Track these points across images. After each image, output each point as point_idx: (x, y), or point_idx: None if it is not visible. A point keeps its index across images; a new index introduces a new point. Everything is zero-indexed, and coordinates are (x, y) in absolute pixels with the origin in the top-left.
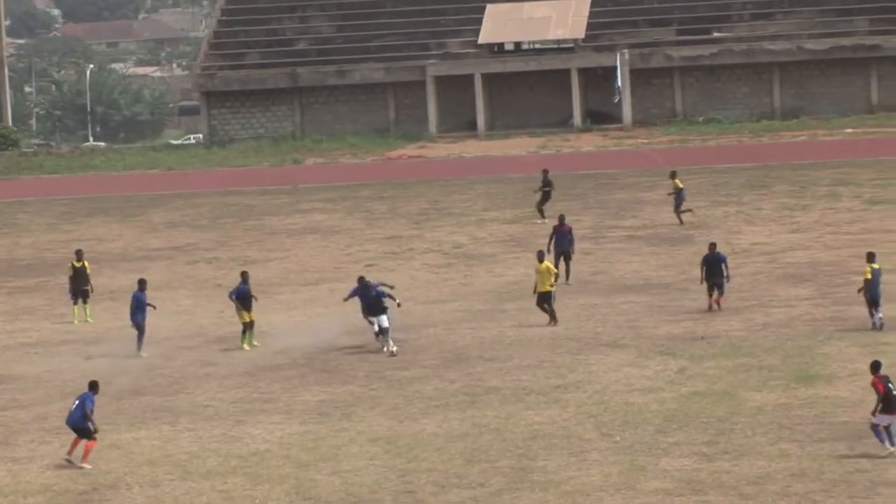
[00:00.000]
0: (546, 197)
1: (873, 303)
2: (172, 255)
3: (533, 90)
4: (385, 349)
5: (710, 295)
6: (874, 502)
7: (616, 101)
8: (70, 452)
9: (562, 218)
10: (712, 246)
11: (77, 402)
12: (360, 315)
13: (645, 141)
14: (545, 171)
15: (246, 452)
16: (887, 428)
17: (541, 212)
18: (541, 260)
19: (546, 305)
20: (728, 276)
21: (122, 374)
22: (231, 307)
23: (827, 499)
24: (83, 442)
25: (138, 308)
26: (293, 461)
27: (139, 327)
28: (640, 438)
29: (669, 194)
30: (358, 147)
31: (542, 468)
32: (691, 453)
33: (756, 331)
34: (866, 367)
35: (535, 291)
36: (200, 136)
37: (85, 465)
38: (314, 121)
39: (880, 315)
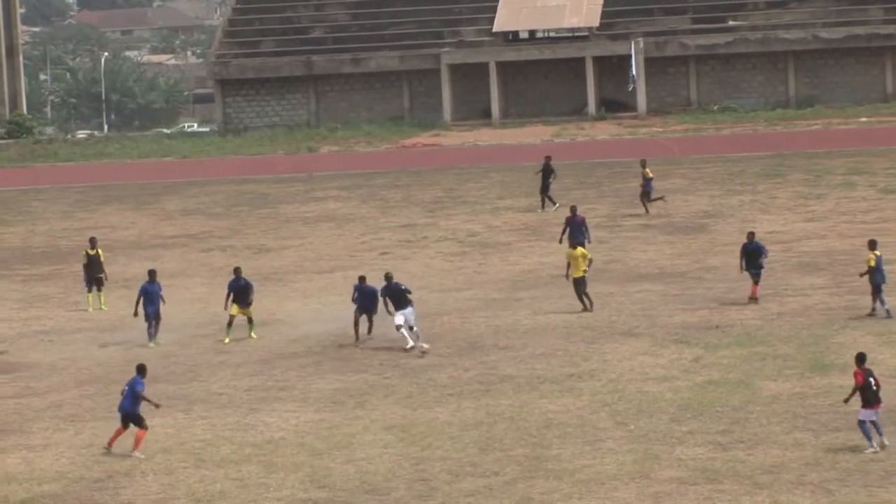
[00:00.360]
0: (544, 185)
1: (877, 289)
2: (187, 243)
3: (547, 78)
4: (411, 346)
5: (756, 284)
6: (889, 492)
7: (631, 89)
8: (111, 444)
9: (573, 209)
10: (750, 235)
11: (127, 388)
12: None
13: (660, 129)
14: (547, 158)
15: (260, 440)
16: (874, 424)
17: (547, 199)
18: (574, 246)
19: (582, 292)
20: (762, 266)
21: (136, 362)
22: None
23: (841, 488)
24: (133, 430)
25: (151, 300)
26: (307, 449)
27: (154, 317)
28: (654, 427)
29: (641, 185)
30: (372, 135)
31: (557, 457)
32: (706, 442)
33: (771, 320)
34: (882, 357)
35: (567, 277)
36: (195, 125)
37: (137, 454)
38: (329, 109)
39: (887, 306)
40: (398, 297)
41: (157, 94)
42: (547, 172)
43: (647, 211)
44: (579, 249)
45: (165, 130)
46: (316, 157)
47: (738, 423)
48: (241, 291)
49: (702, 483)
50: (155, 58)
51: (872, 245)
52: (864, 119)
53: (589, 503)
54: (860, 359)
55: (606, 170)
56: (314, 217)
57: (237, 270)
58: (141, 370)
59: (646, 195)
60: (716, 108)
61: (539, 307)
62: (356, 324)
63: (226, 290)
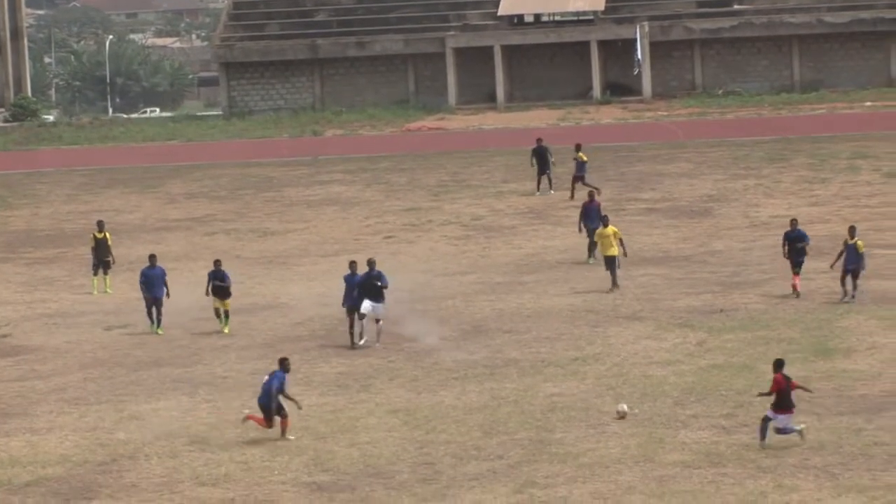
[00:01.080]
0: (542, 167)
1: (852, 274)
2: (191, 227)
3: (552, 62)
4: (364, 341)
5: (796, 274)
6: (893, 476)
7: (636, 73)
8: (269, 425)
9: (591, 194)
10: (793, 222)
11: (266, 378)
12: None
13: (664, 113)
14: (539, 140)
15: None
16: (783, 429)
17: (549, 181)
18: (605, 224)
19: (610, 270)
20: (805, 254)
21: (140, 346)
22: (257, 277)
23: (845, 472)
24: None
25: (151, 285)
26: (312, 432)
27: (155, 302)
28: (658, 411)
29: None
30: (377, 119)
31: (561, 440)
32: (710, 426)
33: (775, 304)
34: (885, 341)
35: (590, 250)
36: (157, 109)
37: (289, 437)
38: (334, 92)
39: (854, 293)
40: (372, 287)
41: (162, 77)
42: (541, 154)
43: (572, 196)
44: (610, 227)
45: (125, 115)
46: (321, 141)
47: (742, 406)
48: (218, 282)
49: (706, 466)
50: (160, 41)
51: (852, 232)
52: (868, 103)
53: (593, 486)
54: (778, 364)
55: (611, 153)
56: (318, 200)
57: (217, 262)
58: (282, 363)
59: (578, 179)
60: (720, 92)
61: (543, 291)
62: (351, 326)
63: (207, 279)
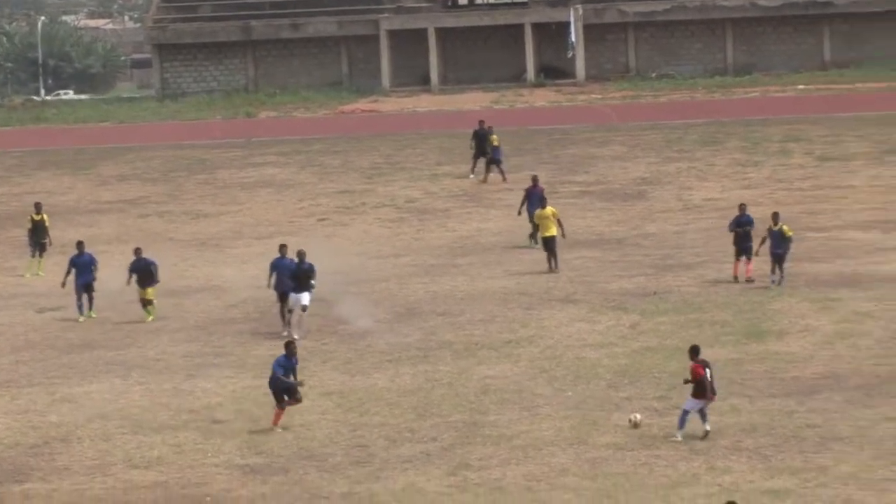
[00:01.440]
0: (480, 150)
1: (777, 259)
2: (124, 209)
3: (486, 45)
4: (289, 332)
5: (749, 260)
6: (824, 457)
7: (570, 56)
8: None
9: (535, 179)
10: (742, 207)
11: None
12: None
13: (598, 96)
14: (481, 123)
15: (198, 406)
16: (702, 412)
17: (480, 165)
18: (544, 206)
19: (550, 251)
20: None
21: (72, 328)
22: (190, 259)
23: (777, 454)
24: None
25: (80, 272)
26: (245, 415)
27: (85, 289)
28: (591, 393)
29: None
30: (311, 101)
31: (494, 423)
32: (643, 408)
33: (708, 286)
34: (817, 323)
35: (532, 235)
36: (71, 91)
37: (277, 429)
38: (267, 74)
39: (777, 277)
40: (303, 280)
41: (95, 58)
42: (481, 137)
43: (484, 180)
44: (549, 209)
45: (35, 98)
46: (254, 123)
47: (675, 389)
48: (142, 272)
49: (639, 449)
50: (92, 22)
51: (776, 218)
52: (801, 87)
53: (526, 468)
54: (694, 351)
55: (545, 137)
56: (252, 183)
57: (137, 251)
58: (286, 347)
59: (494, 162)
60: (654, 75)
61: (477, 273)
62: (282, 310)
63: (127, 273)
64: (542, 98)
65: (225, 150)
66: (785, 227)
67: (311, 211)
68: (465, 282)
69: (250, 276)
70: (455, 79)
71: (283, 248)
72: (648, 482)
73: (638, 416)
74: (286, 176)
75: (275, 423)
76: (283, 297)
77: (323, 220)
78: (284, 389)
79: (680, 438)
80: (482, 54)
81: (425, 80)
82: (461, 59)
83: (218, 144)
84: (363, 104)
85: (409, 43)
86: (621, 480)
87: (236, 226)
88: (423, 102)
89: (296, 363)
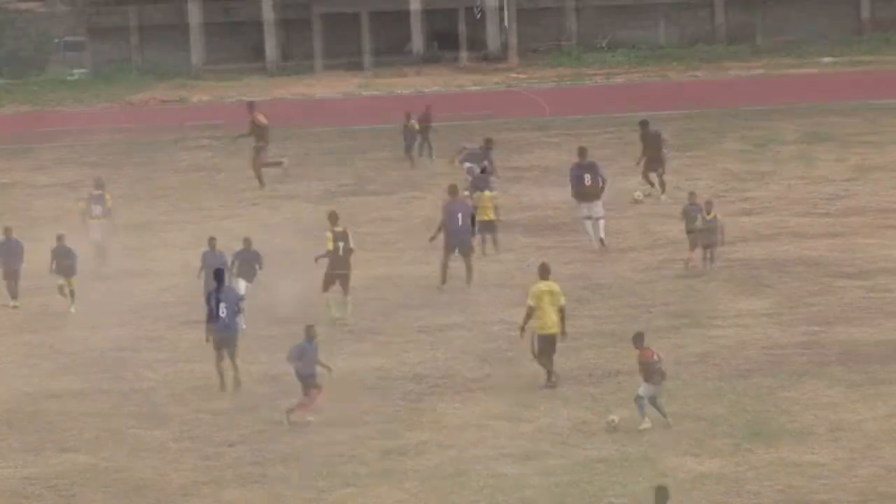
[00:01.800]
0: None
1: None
2: (61, 192)
3: (350, 2)
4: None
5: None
6: (754, 443)
7: (477, 16)
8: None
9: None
10: (692, 195)
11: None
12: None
13: (521, 77)
14: (408, 115)
15: (129, 390)
16: (653, 399)
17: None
18: (482, 189)
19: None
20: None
21: (9, 316)
22: (121, 244)
23: (708, 438)
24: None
25: (11, 257)
26: (177, 399)
27: (14, 275)
28: None
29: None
30: (86, 89)
31: None
32: None
33: (690, 364)
34: (856, 419)
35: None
36: None
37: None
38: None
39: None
40: (249, 267)
41: (27, 41)
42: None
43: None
44: (487, 193)
45: None
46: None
47: None
48: (63, 259)
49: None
50: (23, 5)
51: (709, 207)
52: (827, 60)
53: None
54: (638, 339)
55: (437, 137)
56: (185, 167)
57: (60, 237)
58: (307, 331)
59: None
60: (604, 43)
61: (337, 348)
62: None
63: (50, 259)
64: (436, 80)
65: (161, 135)
66: (717, 216)
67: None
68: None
69: (183, 261)
70: (301, 53)
71: (212, 241)
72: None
73: (615, 419)
74: (218, 161)
75: (300, 411)
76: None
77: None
78: (304, 378)
79: (648, 425)
80: (342, 19)
81: (257, 56)
82: (309, 25)
83: (155, 128)
84: (161, 92)
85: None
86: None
87: (170, 210)
88: (255, 90)
89: (315, 348)
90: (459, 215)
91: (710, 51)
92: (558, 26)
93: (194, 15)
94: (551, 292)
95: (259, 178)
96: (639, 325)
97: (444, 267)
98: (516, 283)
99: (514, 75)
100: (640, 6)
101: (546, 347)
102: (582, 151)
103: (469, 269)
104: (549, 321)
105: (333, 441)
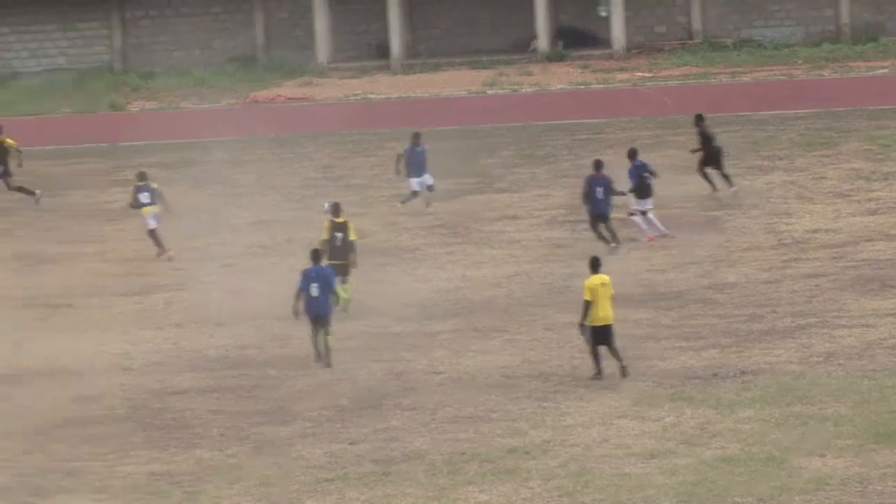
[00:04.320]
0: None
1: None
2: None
3: None
4: None
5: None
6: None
7: (603, 14)
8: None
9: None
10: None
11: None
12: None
13: (646, 75)
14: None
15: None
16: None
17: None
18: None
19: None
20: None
21: None
22: (26, 328)
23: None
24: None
25: None
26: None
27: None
28: None
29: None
30: (209, 85)
31: None
32: None
33: (815, 364)
34: None
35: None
36: None
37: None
38: (141, 45)
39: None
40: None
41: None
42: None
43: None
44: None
45: None
46: (122, 119)
47: None
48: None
49: None
50: None
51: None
52: None
53: None
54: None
55: (565, 136)
56: (119, 209)
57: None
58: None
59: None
60: (730, 42)
61: (463, 346)
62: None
63: None
64: (561, 77)
65: (79, 160)
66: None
67: (210, 252)
68: (446, 358)
69: (115, 353)
70: (427, 50)
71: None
72: None
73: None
74: (172, 198)
75: None
76: None
77: (227, 265)
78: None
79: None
80: (468, 13)
81: (383, 53)
82: (436, 21)
83: (68, 152)
84: (289, 89)
85: None
86: None
87: (95, 275)
88: (380, 86)
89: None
90: (599, 189)
91: (835, 50)
92: (684, 25)
93: (320, 12)
94: (604, 284)
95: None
96: (763, 324)
97: (597, 233)
98: (642, 280)
99: (639, 74)
100: (765, 4)
101: (602, 339)
102: (632, 152)
103: (611, 231)
104: (605, 313)
105: (457, 439)
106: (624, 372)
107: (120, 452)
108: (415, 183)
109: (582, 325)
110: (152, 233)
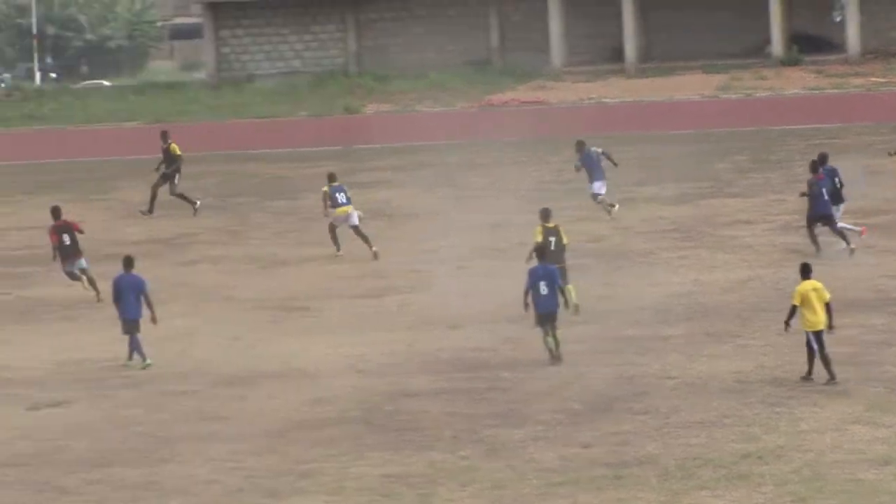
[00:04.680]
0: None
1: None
2: (160, 252)
3: (709, 3)
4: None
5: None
6: None
7: (837, 20)
8: None
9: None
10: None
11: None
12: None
13: (881, 80)
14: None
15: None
16: None
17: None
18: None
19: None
20: None
21: None
22: (258, 330)
23: None
24: None
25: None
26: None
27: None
28: None
29: (161, 169)
30: (443, 88)
31: None
32: None
33: None
34: None
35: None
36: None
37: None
38: (377, 48)
39: None
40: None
41: (116, 26)
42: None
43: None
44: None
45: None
46: (358, 121)
47: None
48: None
49: None
50: None
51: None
52: None
53: None
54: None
55: (800, 140)
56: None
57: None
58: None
59: (171, 185)
60: None
61: (696, 351)
62: None
63: None
64: (795, 82)
65: (314, 163)
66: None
67: (445, 254)
68: (678, 363)
69: (350, 356)
70: (661, 54)
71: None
72: None
73: None
74: (404, 201)
75: None
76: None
77: (462, 267)
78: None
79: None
80: (703, 17)
81: (617, 57)
82: (670, 25)
83: (303, 154)
84: (523, 93)
85: (591, 2)
86: None
87: (328, 278)
88: (613, 90)
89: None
90: (823, 190)
91: None
92: None
93: (554, 16)
94: (815, 289)
95: None
96: None
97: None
98: (876, 286)
99: (873, 79)
100: None
101: (815, 343)
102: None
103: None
104: (816, 318)
105: (690, 444)
106: (831, 378)
107: (353, 454)
108: (598, 186)
109: (787, 324)
110: (357, 229)
